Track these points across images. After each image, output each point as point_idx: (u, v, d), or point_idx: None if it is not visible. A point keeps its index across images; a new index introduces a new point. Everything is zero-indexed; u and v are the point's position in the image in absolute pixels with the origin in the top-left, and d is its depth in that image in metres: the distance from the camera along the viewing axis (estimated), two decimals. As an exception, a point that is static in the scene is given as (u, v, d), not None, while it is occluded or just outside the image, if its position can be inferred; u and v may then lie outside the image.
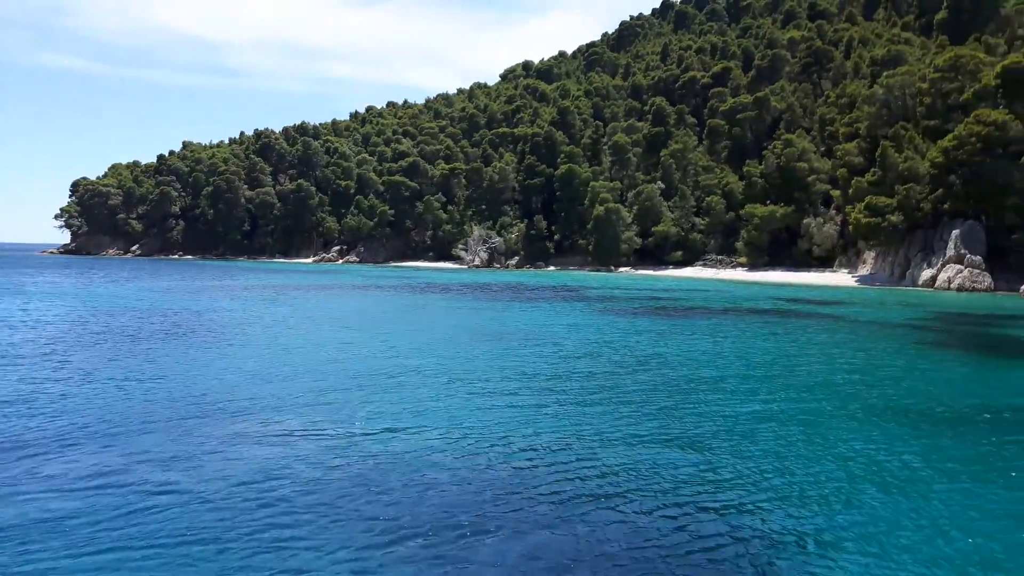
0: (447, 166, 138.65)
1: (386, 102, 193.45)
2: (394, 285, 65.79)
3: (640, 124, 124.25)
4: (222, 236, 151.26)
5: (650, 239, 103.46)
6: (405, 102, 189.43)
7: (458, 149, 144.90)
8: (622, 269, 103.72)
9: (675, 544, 8.52)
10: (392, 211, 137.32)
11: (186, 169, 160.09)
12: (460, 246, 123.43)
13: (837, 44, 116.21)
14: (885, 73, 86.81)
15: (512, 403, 15.84)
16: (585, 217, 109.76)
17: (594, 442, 12.70)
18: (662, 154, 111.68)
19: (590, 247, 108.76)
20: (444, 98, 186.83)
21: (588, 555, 8.15)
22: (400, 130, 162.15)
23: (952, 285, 61.91)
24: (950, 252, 64.15)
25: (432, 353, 22.99)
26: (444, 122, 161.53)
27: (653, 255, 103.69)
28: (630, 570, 7.83)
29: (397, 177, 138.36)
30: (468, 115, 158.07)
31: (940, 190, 66.22)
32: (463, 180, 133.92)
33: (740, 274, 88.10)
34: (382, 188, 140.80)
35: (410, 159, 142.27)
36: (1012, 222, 62.52)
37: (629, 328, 30.99)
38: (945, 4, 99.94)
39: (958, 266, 63.00)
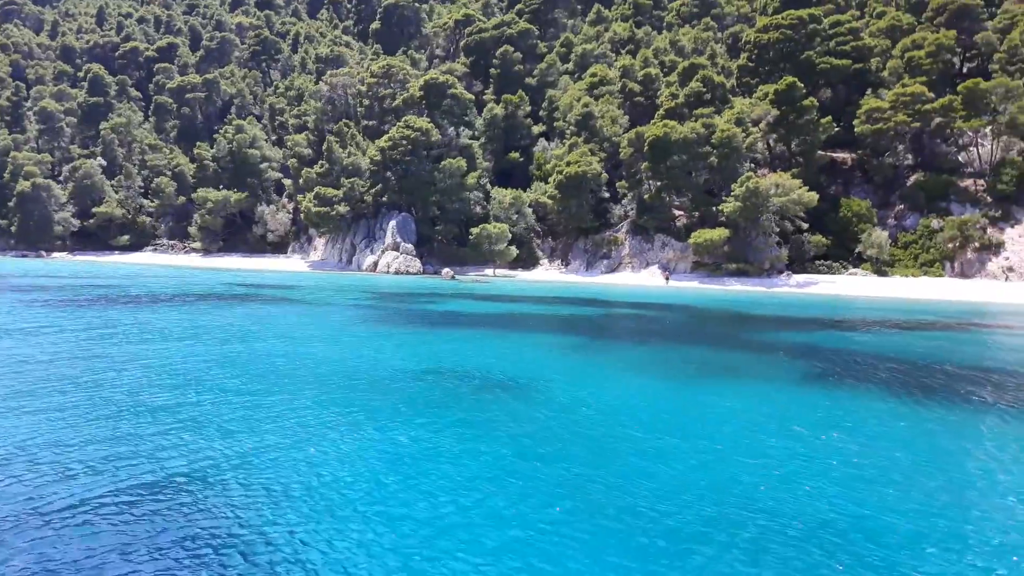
0: None
1: None
2: None
3: (74, 91, 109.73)
4: None
5: (91, 221, 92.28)
6: None
7: None
8: (56, 254, 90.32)
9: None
10: None
11: None
12: None
13: (285, 36, 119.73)
14: (329, 72, 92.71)
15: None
16: (6, 193, 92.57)
17: None
18: (102, 127, 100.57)
19: (13, 228, 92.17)
20: None
21: None
22: None
23: (391, 269, 69.62)
24: (388, 240, 72.01)
25: None
26: None
27: (96, 238, 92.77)
28: None
29: None
30: None
31: (379, 184, 73.74)
32: None
33: (195, 259, 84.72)
34: None
35: None
36: (435, 215, 73.14)
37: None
38: (379, 15, 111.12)
39: (395, 252, 71.12)
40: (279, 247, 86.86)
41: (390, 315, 33.67)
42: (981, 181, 57.70)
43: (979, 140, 59.03)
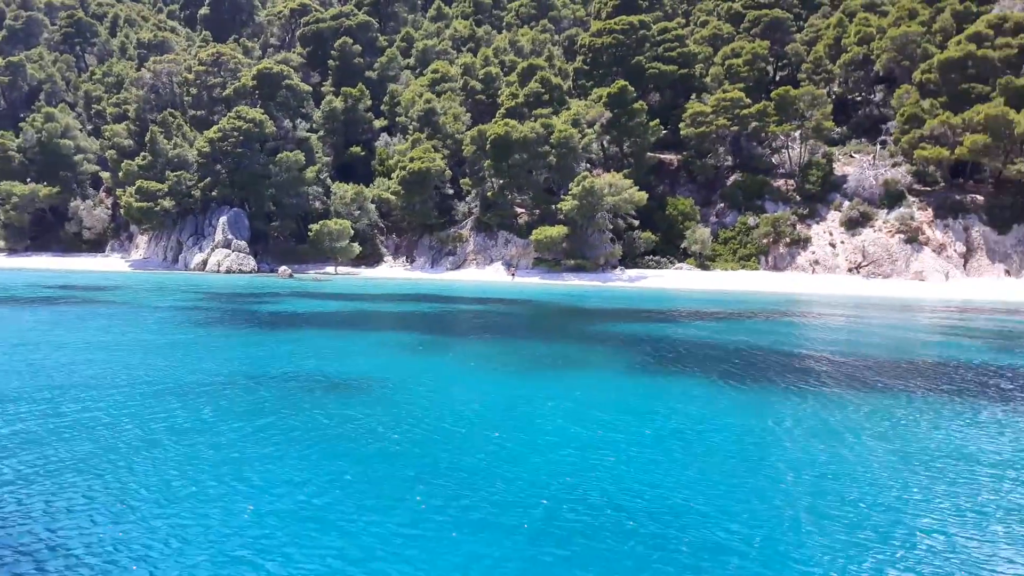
0: None
1: None
2: None
3: None
4: None
5: None
6: None
7: None
8: None
9: None
10: None
11: None
12: None
13: (102, 19, 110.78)
14: (152, 58, 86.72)
15: None
16: None
17: None
18: None
19: None
20: None
21: None
22: None
23: (222, 268, 66.00)
24: (219, 237, 68.24)
25: None
26: None
27: None
28: None
29: None
30: None
31: (208, 178, 69.68)
32: None
33: (-4, 261, 76.50)
34: None
35: None
36: (271, 210, 70.11)
37: None
38: (207, 1, 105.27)
39: (226, 250, 67.48)
40: (96, 246, 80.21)
41: (217, 317, 31.79)
42: (791, 181, 62.75)
43: (789, 143, 64.19)
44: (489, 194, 65.33)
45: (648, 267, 60.29)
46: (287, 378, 17.15)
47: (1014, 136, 52.28)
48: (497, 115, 66.87)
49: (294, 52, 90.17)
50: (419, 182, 65.34)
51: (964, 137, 53.79)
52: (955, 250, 55.20)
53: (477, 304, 40.36)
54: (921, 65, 60.38)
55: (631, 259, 61.10)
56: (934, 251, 55.31)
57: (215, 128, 69.89)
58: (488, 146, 62.68)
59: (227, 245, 67.85)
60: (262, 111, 71.09)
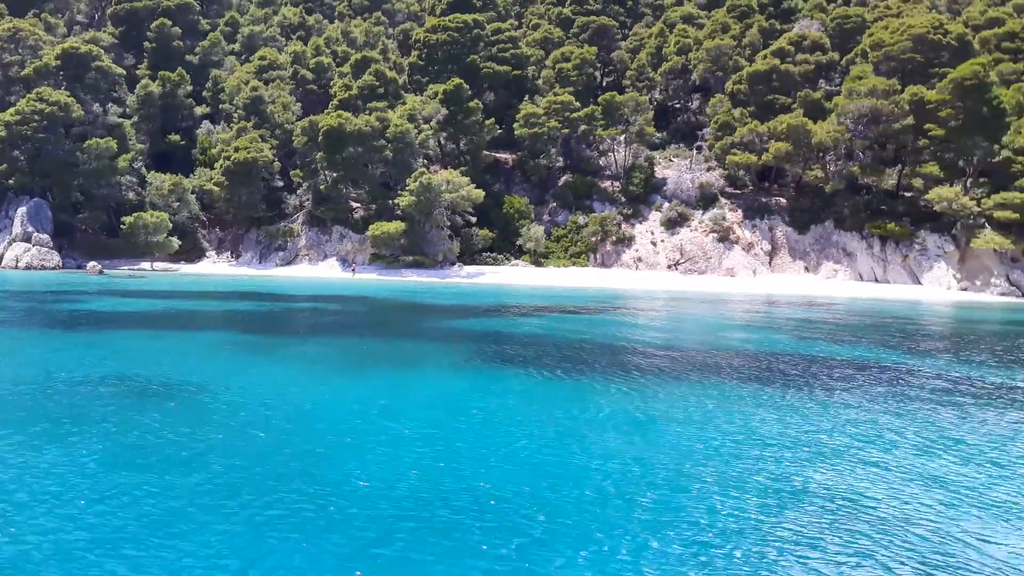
0: None
1: None
2: None
3: None
4: None
5: None
6: None
7: None
8: None
9: None
10: None
11: None
12: None
13: None
14: (-67, 27, 76.96)
15: None
16: None
17: None
18: None
19: None
20: None
21: None
22: None
23: (20, 264, 59.75)
24: (17, 230, 61.71)
25: None
26: None
27: None
28: None
29: None
30: None
31: (4, 165, 62.78)
32: None
33: None
34: None
35: None
36: (78, 201, 64.25)
37: None
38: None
39: (26, 244, 61.13)
40: None
41: (7, 317, 28.69)
42: (617, 183, 65.71)
43: (615, 147, 67.15)
44: (322, 187, 63.49)
45: (486, 264, 61.01)
46: (79, 383, 15.72)
47: (811, 144, 57.59)
48: (330, 106, 65.04)
49: (105, 31, 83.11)
50: (245, 173, 62.32)
51: (770, 144, 58.59)
52: (762, 248, 60.06)
53: (310, 302, 39.12)
54: (733, 76, 65.17)
55: (469, 256, 61.57)
56: (743, 249, 59.90)
57: (12, 110, 63.01)
58: (321, 138, 60.85)
59: (27, 239, 61.43)
60: (68, 93, 64.89)
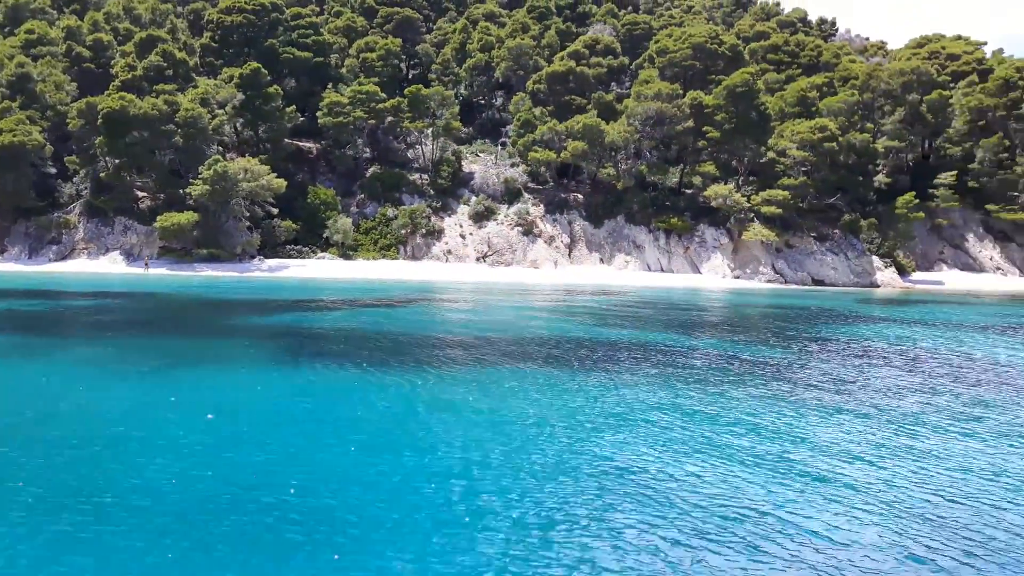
0: None
1: None
2: None
3: None
4: None
5: None
6: None
7: None
8: None
9: None
10: None
11: None
12: None
13: None
14: None
15: None
16: None
17: None
18: None
19: None
20: None
21: None
22: None
23: None
24: None
25: None
26: None
27: None
28: None
29: None
30: None
31: None
32: None
33: None
34: None
35: None
36: None
37: None
38: None
39: None
40: None
41: None
42: (426, 176, 66.05)
43: (423, 140, 67.42)
44: (103, 175, 58.26)
45: (290, 257, 58.96)
46: None
47: (604, 144, 61.23)
48: (111, 87, 59.69)
49: None
50: (11, 158, 55.77)
51: (568, 143, 61.56)
52: (562, 241, 63.04)
53: (91, 299, 35.94)
54: (533, 76, 67.67)
55: (271, 249, 59.16)
56: (546, 242, 62.56)
57: None
58: (101, 121, 55.74)
59: None
60: None
